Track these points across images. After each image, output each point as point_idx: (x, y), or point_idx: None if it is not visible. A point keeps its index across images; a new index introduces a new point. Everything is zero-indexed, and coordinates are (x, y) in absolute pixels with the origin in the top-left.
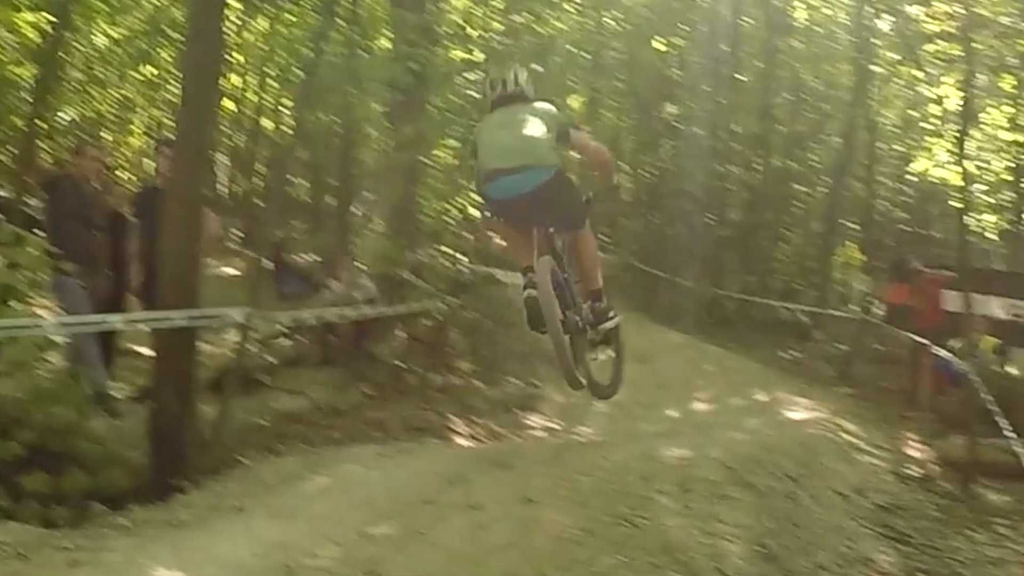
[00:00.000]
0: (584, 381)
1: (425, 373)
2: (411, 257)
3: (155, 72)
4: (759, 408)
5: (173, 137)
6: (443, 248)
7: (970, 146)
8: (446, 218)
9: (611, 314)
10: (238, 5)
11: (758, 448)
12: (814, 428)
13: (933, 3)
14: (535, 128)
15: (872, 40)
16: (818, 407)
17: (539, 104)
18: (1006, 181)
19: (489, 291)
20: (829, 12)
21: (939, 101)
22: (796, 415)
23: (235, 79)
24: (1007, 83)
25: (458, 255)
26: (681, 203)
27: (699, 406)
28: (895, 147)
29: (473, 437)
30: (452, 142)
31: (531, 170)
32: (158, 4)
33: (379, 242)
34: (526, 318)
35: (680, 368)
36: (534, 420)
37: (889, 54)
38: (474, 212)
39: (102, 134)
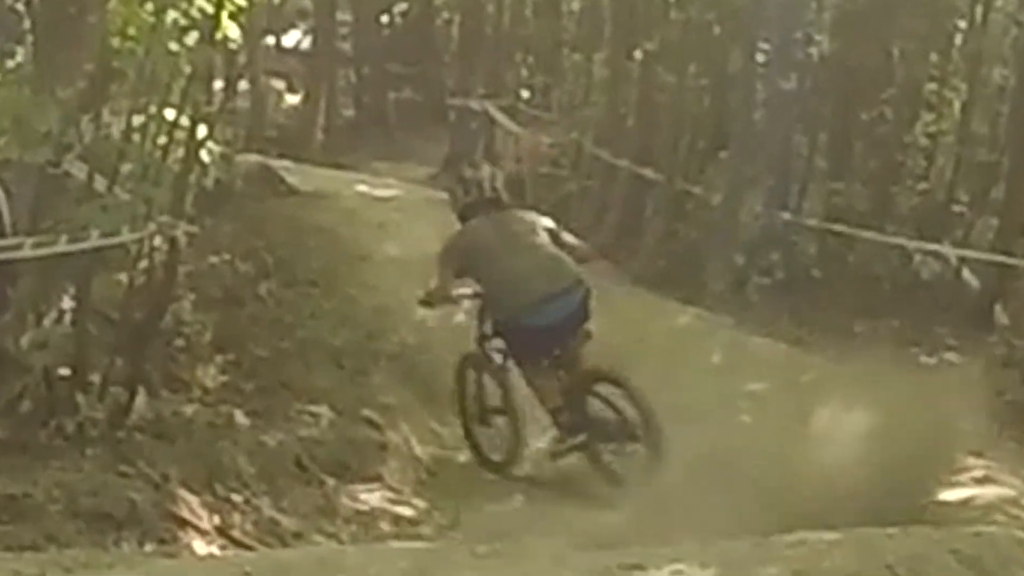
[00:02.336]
0: None
1: (120, 391)
2: (89, 130)
3: None
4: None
5: None
6: (164, 112)
7: None
8: (170, 44)
9: None
10: None
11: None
12: (995, 520)
13: None
14: (545, 241)
15: None
16: (1008, 475)
17: (523, 213)
18: None
19: (268, 210)
20: None
21: None
22: (956, 491)
23: None
24: None
25: (198, 127)
26: (693, 16)
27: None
28: None
29: (227, 536)
30: None
31: (571, 291)
32: None
33: (17, 95)
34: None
35: (690, 387)
36: (365, 498)
37: None
38: (234, 33)
39: None
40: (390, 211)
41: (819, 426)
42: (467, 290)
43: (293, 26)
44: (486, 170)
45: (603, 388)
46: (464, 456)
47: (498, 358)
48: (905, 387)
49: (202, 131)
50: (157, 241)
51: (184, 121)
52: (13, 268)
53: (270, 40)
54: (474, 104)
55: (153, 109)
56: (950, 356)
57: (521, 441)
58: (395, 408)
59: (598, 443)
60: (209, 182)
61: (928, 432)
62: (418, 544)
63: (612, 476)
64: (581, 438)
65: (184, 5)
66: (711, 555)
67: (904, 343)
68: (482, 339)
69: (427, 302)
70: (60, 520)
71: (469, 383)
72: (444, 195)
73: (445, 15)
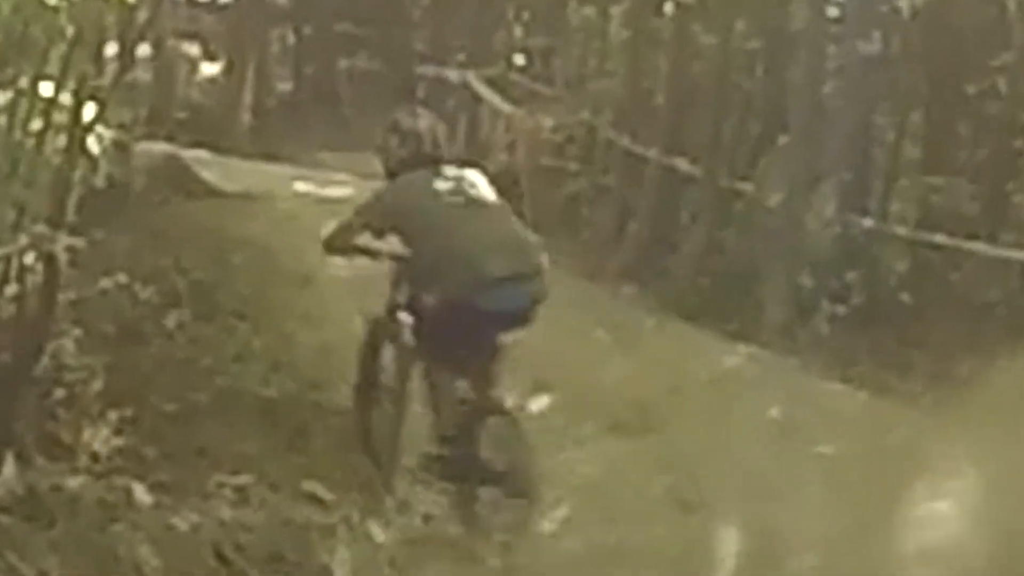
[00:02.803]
0: None
1: None
2: None
3: None
4: None
5: None
6: (38, 88)
7: None
8: None
9: None
10: None
11: None
12: None
13: None
14: (506, 212)
15: None
16: None
17: (475, 176)
18: None
19: (179, 216)
20: None
21: None
22: None
23: None
24: None
25: (84, 106)
26: None
27: None
28: None
29: None
30: None
31: (538, 276)
32: None
33: None
34: None
35: (741, 452)
36: None
37: None
38: None
39: None
40: (340, 217)
41: (913, 502)
42: (386, 247)
43: None
44: (427, 120)
45: (497, 423)
46: (442, 532)
47: (407, 337)
48: None
49: (90, 112)
50: (30, 259)
51: (66, 99)
52: None
53: None
54: (452, 74)
55: (24, 83)
56: None
57: (401, 437)
58: (346, 479)
59: (474, 488)
60: (99, 180)
61: None
62: None
63: (478, 524)
64: (455, 488)
65: None
66: None
67: None
68: (393, 310)
69: (331, 246)
70: None
71: (373, 352)
72: None
73: None
